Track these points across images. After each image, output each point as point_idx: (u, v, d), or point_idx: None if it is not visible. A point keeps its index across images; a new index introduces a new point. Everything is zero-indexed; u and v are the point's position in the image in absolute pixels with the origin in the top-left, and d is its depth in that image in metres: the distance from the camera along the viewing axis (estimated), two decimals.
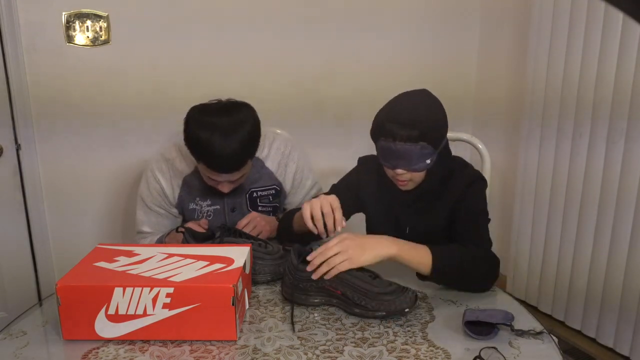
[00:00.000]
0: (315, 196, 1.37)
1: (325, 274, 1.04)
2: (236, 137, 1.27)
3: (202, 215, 1.50)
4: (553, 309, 2.24)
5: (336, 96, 2.32)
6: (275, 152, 1.52)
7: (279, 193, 1.55)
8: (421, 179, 1.24)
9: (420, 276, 1.14)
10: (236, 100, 1.38)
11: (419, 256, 1.09)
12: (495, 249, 1.25)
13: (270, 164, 1.52)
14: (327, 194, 1.34)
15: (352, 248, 1.04)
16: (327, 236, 1.15)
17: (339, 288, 1.04)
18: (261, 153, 1.50)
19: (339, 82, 2.33)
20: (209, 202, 1.49)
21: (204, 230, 1.32)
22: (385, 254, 1.06)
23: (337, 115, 2.35)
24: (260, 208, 1.52)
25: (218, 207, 1.49)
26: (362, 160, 1.43)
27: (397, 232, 1.39)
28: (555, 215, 2.18)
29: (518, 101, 2.35)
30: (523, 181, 2.33)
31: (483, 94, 2.61)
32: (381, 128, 1.18)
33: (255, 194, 1.50)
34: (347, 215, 1.39)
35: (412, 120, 1.15)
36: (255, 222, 1.41)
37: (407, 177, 1.21)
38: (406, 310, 1.00)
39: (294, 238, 1.34)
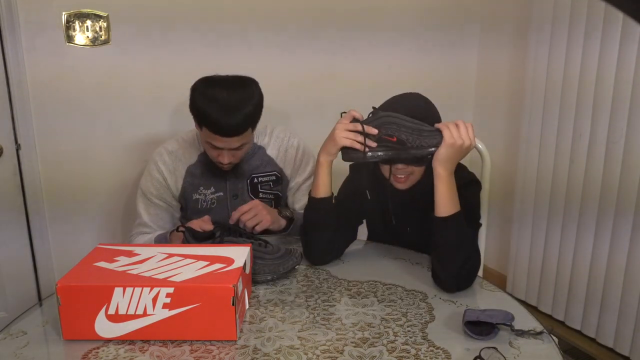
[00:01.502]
0: None
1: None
2: (241, 97, 1.36)
3: (206, 203, 1.53)
4: (553, 309, 2.24)
5: (336, 98, 2.32)
6: (275, 140, 1.59)
7: (280, 180, 1.58)
8: (420, 175, 1.25)
9: (428, 216, 1.17)
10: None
11: (450, 200, 1.15)
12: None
13: (271, 151, 1.58)
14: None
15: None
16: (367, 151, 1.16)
17: (394, 134, 1.13)
18: (262, 140, 1.57)
19: (339, 85, 2.33)
20: (212, 189, 1.53)
21: (204, 230, 1.32)
22: (448, 169, 1.15)
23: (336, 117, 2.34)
24: (261, 195, 1.56)
25: (221, 193, 1.53)
26: (355, 168, 1.44)
27: (395, 232, 1.40)
28: (556, 215, 2.18)
29: (519, 93, 2.35)
30: (523, 181, 2.33)
31: (484, 86, 2.62)
32: None
33: (256, 180, 1.55)
34: (359, 222, 1.41)
35: (409, 109, 1.19)
36: (257, 210, 1.39)
37: (407, 172, 1.22)
38: (432, 149, 1.13)
39: (320, 227, 1.29)
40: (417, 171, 1.24)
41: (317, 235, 1.28)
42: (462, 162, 1.38)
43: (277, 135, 1.60)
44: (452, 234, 1.14)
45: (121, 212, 2.15)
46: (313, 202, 1.28)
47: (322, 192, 1.26)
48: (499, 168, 2.50)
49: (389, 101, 1.25)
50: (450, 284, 1.14)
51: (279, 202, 1.60)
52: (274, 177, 1.57)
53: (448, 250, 1.14)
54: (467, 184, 1.28)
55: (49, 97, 1.96)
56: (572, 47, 2.03)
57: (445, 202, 1.14)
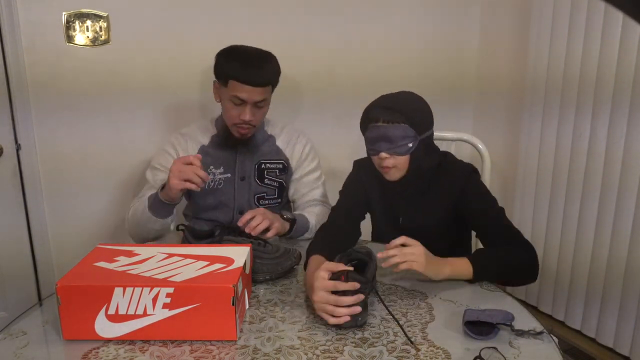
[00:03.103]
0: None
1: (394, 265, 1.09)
2: (265, 55, 1.54)
3: (214, 183, 1.59)
4: (553, 309, 2.24)
5: (340, 83, 2.31)
6: (286, 134, 1.69)
7: (286, 169, 1.65)
8: (405, 167, 1.25)
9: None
10: None
11: (462, 272, 1.15)
12: None
13: (280, 142, 1.66)
14: (337, 201, 1.41)
15: (421, 257, 1.09)
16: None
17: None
18: (274, 130, 1.66)
19: (343, 70, 2.32)
20: (221, 169, 1.59)
21: (201, 182, 1.33)
22: (442, 276, 1.13)
23: (336, 118, 2.35)
24: (267, 180, 1.62)
25: (229, 175, 1.59)
26: (358, 163, 1.46)
27: (394, 223, 1.40)
28: (556, 215, 2.18)
29: (519, 87, 2.33)
30: (523, 182, 2.33)
31: (485, 78, 2.59)
32: (367, 114, 1.27)
33: (263, 165, 1.61)
34: (362, 216, 1.44)
35: (395, 103, 1.23)
36: (264, 215, 1.38)
37: (390, 163, 1.23)
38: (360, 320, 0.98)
39: None
40: (401, 162, 1.26)
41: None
42: (461, 158, 1.38)
43: (287, 131, 1.69)
44: (489, 275, 1.17)
45: (121, 212, 2.15)
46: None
47: None
48: (499, 168, 2.50)
49: (384, 98, 1.27)
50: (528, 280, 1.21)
51: (282, 190, 1.65)
52: (281, 166, 1.64)
53: (503, 279, 1.21)
54: (467, 178, 1.29)
55: (49, 97, 1.95)
56: (574, 32, 2.01)
57: (462, 274, 1.16)
